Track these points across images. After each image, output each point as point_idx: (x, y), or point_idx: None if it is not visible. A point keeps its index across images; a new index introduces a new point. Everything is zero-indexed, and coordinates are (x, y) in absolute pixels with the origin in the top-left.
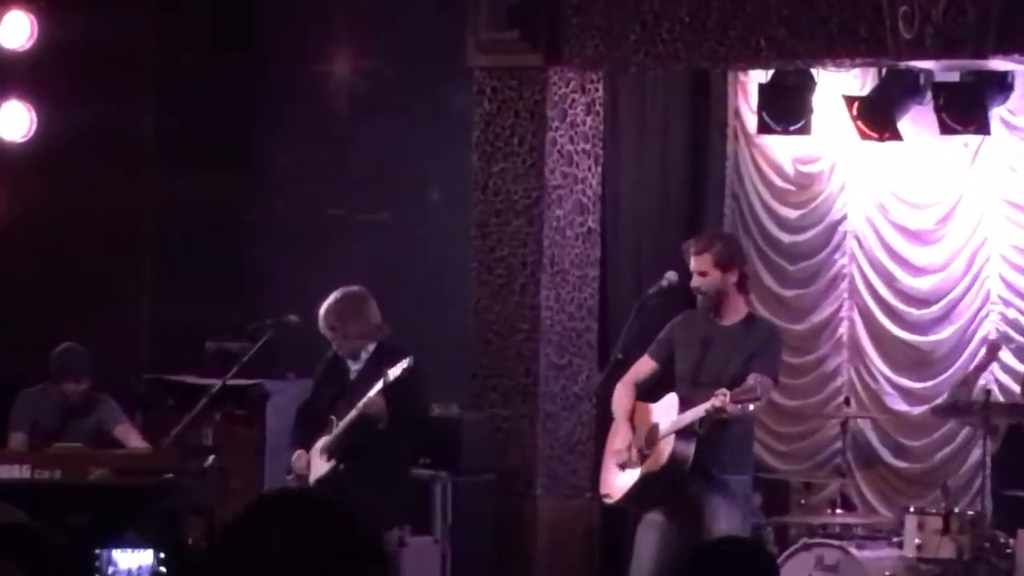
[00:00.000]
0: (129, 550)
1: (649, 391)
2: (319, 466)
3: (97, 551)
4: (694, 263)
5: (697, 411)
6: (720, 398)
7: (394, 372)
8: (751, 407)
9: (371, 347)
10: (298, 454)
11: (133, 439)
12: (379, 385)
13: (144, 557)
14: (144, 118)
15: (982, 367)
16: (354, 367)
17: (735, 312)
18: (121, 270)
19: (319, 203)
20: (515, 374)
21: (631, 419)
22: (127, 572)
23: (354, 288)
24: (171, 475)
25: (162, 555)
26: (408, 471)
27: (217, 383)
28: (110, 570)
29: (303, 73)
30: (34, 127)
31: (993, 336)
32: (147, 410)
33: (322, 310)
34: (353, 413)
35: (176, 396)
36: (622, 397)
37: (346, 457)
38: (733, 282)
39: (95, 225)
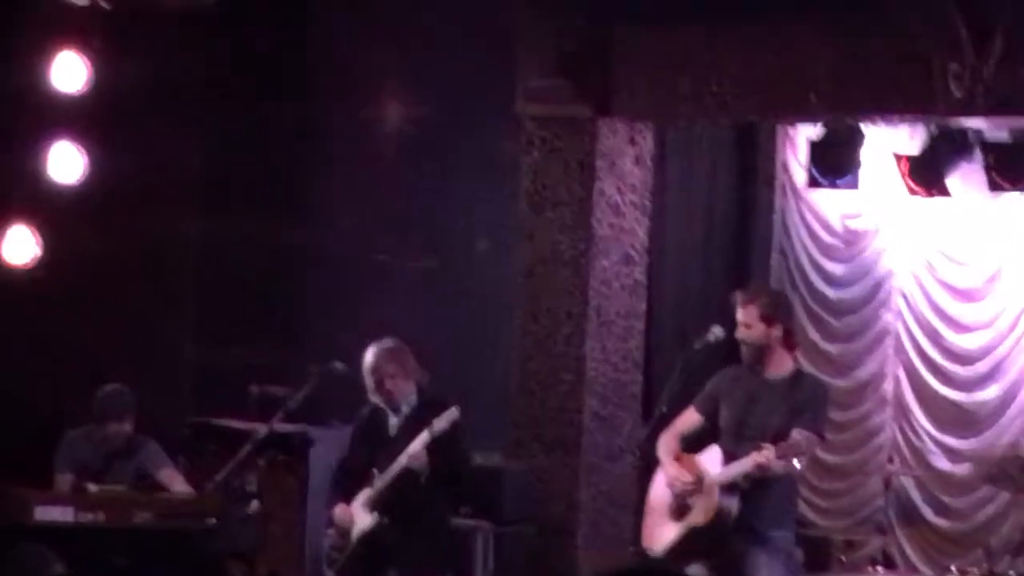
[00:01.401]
0: None
1: (693, 444)
2: (362, 519)
3: None
4: (740, 314)
5: (742, 465)
6: (765, 453)
7: (439, 424)
8: (796, 463)
9: (412, 399)
10: (341, 507)
11: (177, 483)
12: (424, 436)
13: None
14: (193, 160)
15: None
16: (394, 420)
17: (781, 366)
18: (167, 312)
19: (366, 248)
20: (558, 424)
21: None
22: None
23: (389, 340)
24: (214, 520)
25: None
26: (449, 520)
27: (260, 428)
28: None
29: (352, 118)
30: (85, 169)
31: None
32: (191, 454)
33: (371, 364)
34: (397, 466)
35: (219, 440)
36: (668, 447)
37: (388, 509)
38: (777, 336)
39: (142, 267)
